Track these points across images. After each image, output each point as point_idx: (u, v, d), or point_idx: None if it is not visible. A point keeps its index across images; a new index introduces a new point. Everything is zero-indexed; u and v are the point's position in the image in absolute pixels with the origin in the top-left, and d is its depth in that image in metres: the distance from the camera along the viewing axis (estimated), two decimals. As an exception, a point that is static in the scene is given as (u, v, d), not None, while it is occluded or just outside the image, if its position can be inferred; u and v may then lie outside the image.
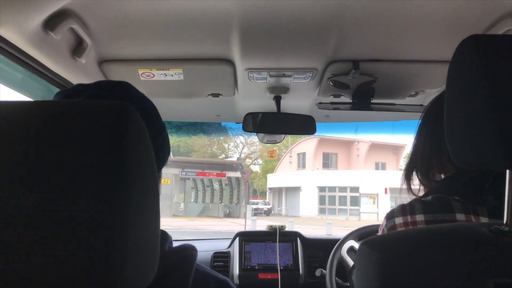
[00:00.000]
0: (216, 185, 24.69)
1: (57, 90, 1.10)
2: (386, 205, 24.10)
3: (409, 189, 0.92)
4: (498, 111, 0.47)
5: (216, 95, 1.50)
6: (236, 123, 2.06)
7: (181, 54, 1.23)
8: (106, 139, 0.36)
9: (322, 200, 26.15)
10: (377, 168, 27.88)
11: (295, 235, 2.09)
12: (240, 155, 36.65)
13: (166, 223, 16.49)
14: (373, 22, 1.02)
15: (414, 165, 0.91)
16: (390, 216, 0.83)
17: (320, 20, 1.01)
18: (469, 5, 0.95)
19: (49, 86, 1.11)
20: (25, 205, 0.34)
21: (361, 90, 1.40)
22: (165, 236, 0.64)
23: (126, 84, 0.67)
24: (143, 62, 1.25)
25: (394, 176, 25.38)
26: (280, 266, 1.94)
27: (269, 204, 27.70)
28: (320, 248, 2.04)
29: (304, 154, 29.12)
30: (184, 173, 22.57)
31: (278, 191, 29.70)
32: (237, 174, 23.59)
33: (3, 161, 0.35)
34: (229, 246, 2.09)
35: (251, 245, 2.03)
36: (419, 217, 0.76)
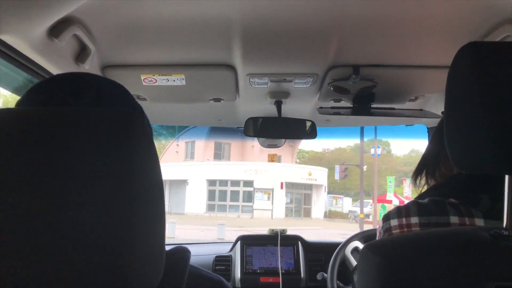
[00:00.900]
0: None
1: None
2: (281, 201, 22.87)
3: (415, 186, 0.96)
4: (495, 117, 0.48)
5: (217, 100, 1.51)
6: (237, 127, 2.07)
7: (183, 59, 1.24)
8: (113, 146, 0.37)
9: (211, 195, 23.58)
10: (272, 160, 26.01)
11: (296, 238, 2.10)
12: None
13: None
14: (373, 27, 1.03)
15: (424, 165, 0.96)
16: (386, 218, 0.84)
17: (320, 26, 1.02)
18: (468, 11, 0.96)
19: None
20: (34, 210, 0.35)
21: (362, 94, 1.41)
22: None
23: (96, 87, 0.59)
24: (146, 67, 1.26)
25: (290, 170, 24.13)
26: (281, 270, 1.94)
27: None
28: (321, 252, 2.04)
29: (193, 142, 25.48)
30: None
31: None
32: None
33: (11, 166, 0.36)
34: (231, 250, 2.09)
35: (252, 249, 2.03)
36: (414, 220, 0.77)
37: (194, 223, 17.31)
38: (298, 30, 1.04)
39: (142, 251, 0.38)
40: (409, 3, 0.93)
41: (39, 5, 0.76)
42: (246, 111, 1.68)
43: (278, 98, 1.49)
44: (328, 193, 29.09)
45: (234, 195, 23.57)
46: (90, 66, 1.12)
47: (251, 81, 1.34)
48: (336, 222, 24.04)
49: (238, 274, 1.95)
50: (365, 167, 19.42)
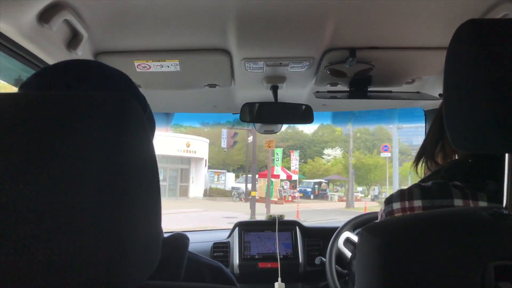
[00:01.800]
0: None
1: None
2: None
3: (416, 171, 0.95)
4: (497, 95, 0.47)
5: (212, 85, 1.49)
6: (233, 113, 2.06)
7: (177, 44, 1.22)
8: (106, 131, 0.37)
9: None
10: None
11: (294, 224, 2.11)
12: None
13: None
14: (369, 9, 1.02)
15: (424, 150, 0.95)
16: (388, 201, 0.83)
17: (316, 8, 1.01)
18: None
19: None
20: (25, 197, 0.34)
21: (358, 78, 1.40)
22: None
23: (100, 69, 0.61)
24: (139, 53, 1.24)
25: (164, 140, 20.89)
26: (279, 255, 1.95)
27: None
28: (319, 237, 2.05)
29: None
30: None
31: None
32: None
33: (2, 153, 0.35)
34: (229, 236, 2.10)
35: (250, 235, 2.04)
36: (417, 203, 0.76)
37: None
38: (293, 13, 1.02)
39: (136, 237, 0.37)
40: None
41: None
42: (242, 96, 1.67)
43: (274, 83, 1.48)
44: (209, 168, 27.12)
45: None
46: (83, 53, 1.10)
47: (247, 66, 1.32)
48: (218, 201, 22.67)
49: (236, 260, 1.96)
50: (250, 138, 17.50)
